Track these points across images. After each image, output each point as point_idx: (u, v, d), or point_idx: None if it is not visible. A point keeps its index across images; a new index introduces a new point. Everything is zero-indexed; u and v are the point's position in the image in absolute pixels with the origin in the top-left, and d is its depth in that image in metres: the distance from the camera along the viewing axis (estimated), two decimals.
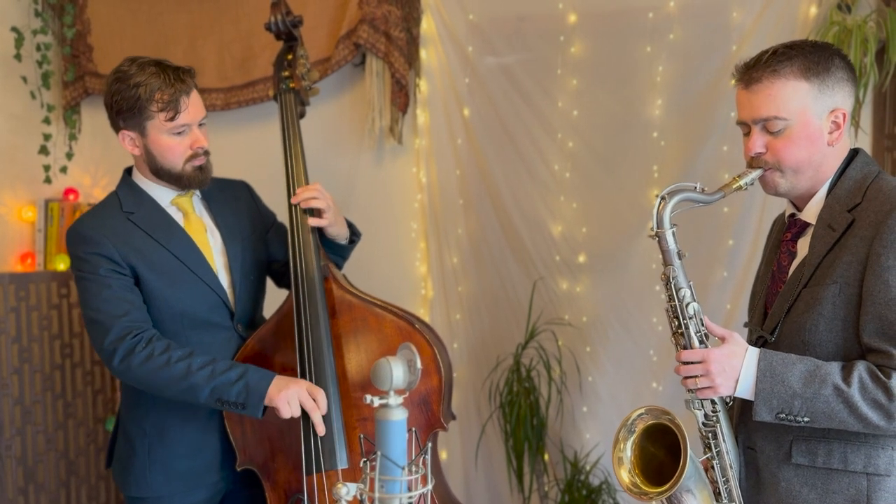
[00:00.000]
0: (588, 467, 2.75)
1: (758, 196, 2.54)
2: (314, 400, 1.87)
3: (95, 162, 3.22)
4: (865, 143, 2.54)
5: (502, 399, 2.75)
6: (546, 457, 2.82)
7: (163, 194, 2.03)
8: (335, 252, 2.19)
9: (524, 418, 2.68)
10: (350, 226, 2.22)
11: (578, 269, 2.82)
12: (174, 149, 1.95)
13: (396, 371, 1.27)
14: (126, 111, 1.91)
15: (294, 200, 2.10)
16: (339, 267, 2.23)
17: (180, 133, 1.94)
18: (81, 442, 3.04)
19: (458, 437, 2.94)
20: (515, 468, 2.74)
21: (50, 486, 2.95)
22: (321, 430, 1.87)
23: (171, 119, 1.91)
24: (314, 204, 2.07)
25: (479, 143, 2.87)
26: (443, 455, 2.94)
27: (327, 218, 2.09)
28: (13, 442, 2.85)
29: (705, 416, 1.59)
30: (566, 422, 2.82)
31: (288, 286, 2.14)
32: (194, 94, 1.96)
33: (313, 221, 2.09)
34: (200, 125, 1.99)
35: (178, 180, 1.99)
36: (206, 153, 2.00)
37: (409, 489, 1.27)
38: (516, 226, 2.85)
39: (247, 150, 3.00)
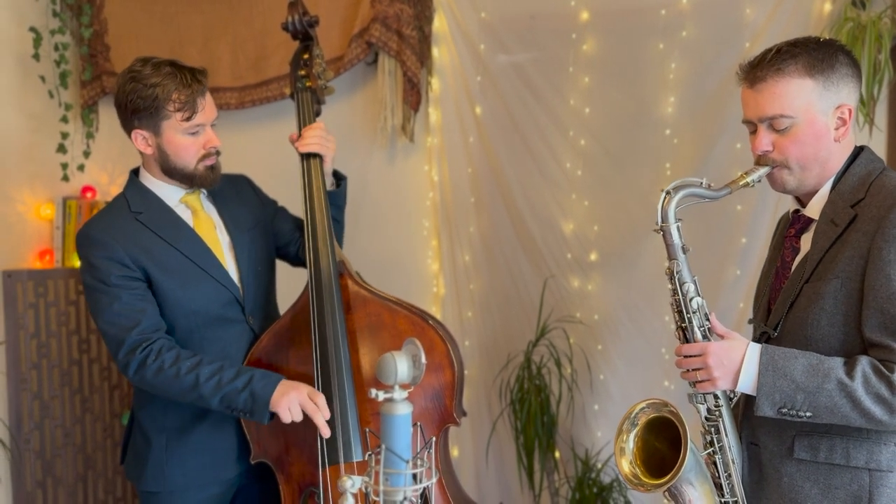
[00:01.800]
0: (599, 465, 2.76)
1: (771, 194, 2.52)
2: (316, 404, 1.90)
3: (113, 160, 3.26)
4: (881, 140, 2.52)
5: (513, 396, 2.76)
6: (557, 454, 2.82)
7: (171, 193, 2.05)
8: (332, 202, 2.22)
9: (534, 416, 2.68)
10: (334, 171, 2.28)
11: (590, 268, 2.82)
12: (188, 148, 1.98)
13: (401, 366, 1.28)
14: (142, 110, 1.94)
15: (300, 148, 2.16)
16: (340, 222, 2.29)
17: (195, 133, 1.97)
18: (98, 436, 3.08)
19: (470, 434, 2.95)
20: (526, 465, 2.75)
21: (68, 479, 2.99)
22: (325, 432, 1.90)
23: (188, 119, 1.94)
24: (314, 150, 2.15)
25: (491, 142, 2.87)
26: (454, 452, 2.95)
27: (327, 150, 2.18)
28: (32, 436, 2.89)
29: (708, 410, 1.59)
30: (577, 419, 2.82)
31: (303, 262, 2.18)
32: (208, 95, 2.00)
33: (309, 147, 2.16)
34: (212, 125, 2.02)
35: (189, 179, 2.02)
36: (218, 153, 2.03)
37: (415, 482, 1.28)
38: (528, 224, 2.85)
39: (260, 148, 3.02)
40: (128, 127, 2.00)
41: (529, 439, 2.70)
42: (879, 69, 2.35)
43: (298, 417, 1.89)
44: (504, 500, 2.91)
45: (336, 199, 2.25)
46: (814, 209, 1.61)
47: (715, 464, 1.62)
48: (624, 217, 2.77)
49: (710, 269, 2.67)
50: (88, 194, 3.20)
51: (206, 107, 1.98)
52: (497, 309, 2.93)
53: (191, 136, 1.97)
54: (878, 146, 2.50)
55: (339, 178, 2.27)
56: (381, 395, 1.27)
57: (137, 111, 1.94)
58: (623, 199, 2.77)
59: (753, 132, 1.60)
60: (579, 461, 2.77)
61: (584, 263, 2.83)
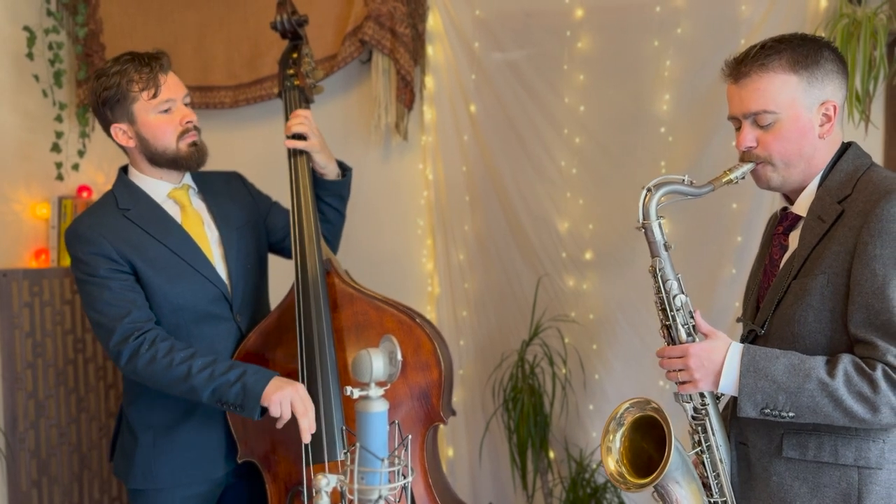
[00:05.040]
0: (594, 465, 2.74)
1: (767, 192, 2.50)
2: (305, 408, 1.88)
3: (109, 159, 3.26)
4: (877, 137, 2.50)
5: (506, 396, 2.74)
6: (552, 454, 2.81)
7: (159, 188, 2.05)
8: (333, 191, 2.22)
9: (527, 415, 2.67)
10: (339, 162, 2.25)
11: (585, 266, 2.81)
12: (164, 127, 1.98)
13: (377, 363, 1.27)
14: (111, 100, 1.96)
15: (288, 132, 2.14)
16: (341, 213, 2.28)
17: (167, 111, 1.98)
18: (94, 436, 3.08)
19: (465, 434, 2.94)
20: (519, 465, 2.73)
21: (63, 479, 2.99)
22: (306, 437, 1.87)
23: (154, 96, 1.96)
24: (298, 129, 2.12)
25: (486, 140, 2.86)
26: (449, 452, 2.94)
27: (311, 143, 2.13)
28: (27, 435, 2.89)
29: (694, 409, 1.58)
30: (571, 419, 2.81)
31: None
32: (171, 74, 2.02)
33: (296, 143, 2.13)
34: (186, 104, 2.03)
35: (175, 162, 2.02)
36: (197, 129, 2.04)
37: (391, 481, 1.27)
38: (523, 222, 2.84)
39: (254, 147, 3.02)
40: (106, 124, 2.02)
41: (522, 439, 2.69)
42: (875, 66, 2.33)
43: (288, 414, 1.86)
44: (498, 501, 2.90)
45: (339, 188, 2.24)
46: (801, 206, 1.60)
47: (703, 463, 1.61)
48: (619, 215, 2.75)
49: (706, 268, 2.65)
50: (84, 193, 3.20)
51: (171, 82, 1.99)
52: (492, 308, 2.91)
53: (163, 113, 1.98)
54: (875, 143, 2.48)
55: (343, 168, 2.27)
56: (356, 393, 1.26)
57: (107, 102, 1.97)
58: (618, 197, 2.75)
59: (738, 128, 1.59)
60: (573, 461, 2.75)
61: (579, 262, 2.81)
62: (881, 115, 2.50)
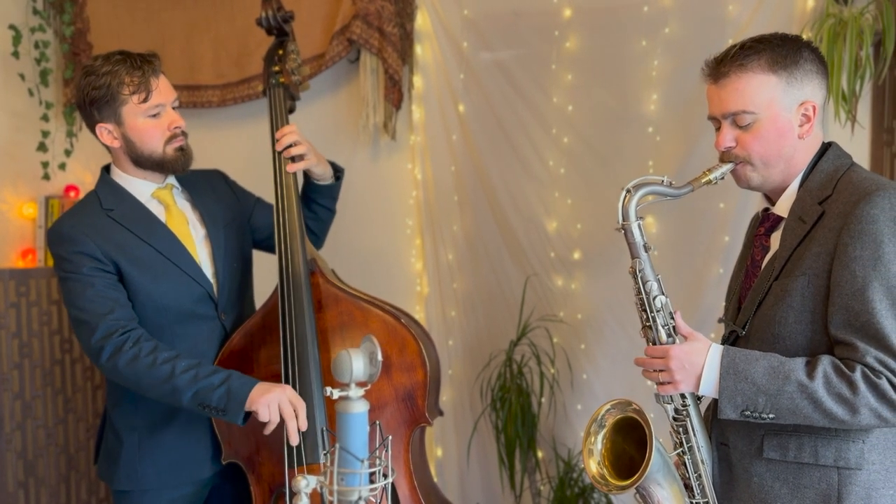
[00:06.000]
0: (582, 465, 2.74)
1: (754, 192, 2.49)
2: (294, 409, 1.85)
3: (96, 159, 3.24)
4: (864, 137, 2.50)
5: (494, 395, 2.74)
6: (540, 454, 2.81)
7: (143, 188, 2.04)
8: (327, 194, 2.24)
9: (515, 415, 2.67)
10: (331, 163, 2.26)
11: (573, 266, 2.81)
12: (152, 132, 1.96)
13: (357, 363, 1.27)
14: (99, 100, 1.94)
15: (279, 147, 2.14)
16: (332, 211, 2.29)
17: (156, 115, 1.96)
18: (81, 437, 3.07)
19: (454, 434, 2.94)
20: (507, 465, 2.73)
21: (50, 480, 2.97)
22: (294, 440, 1.85)
23: (145, 100, 1.94)
24: (296, 151, 2.12)
25: (474, 139, 2.86)
26: (437, 452, 2.93)
27: (309, 160, 2.14)
28: (13, 436, 2.88)
29: (675, 410, 1.58)
30: (559, 419, 2.81)
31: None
32: (163, 77, 1.99)
33: (298, 165, 2.13)
34: (174, 108, 2.01)
35: (160, 166, 2.00)
36: (184, 134, 2.02)
37: (371, 482, 1.26)
38: (511, 222, 2.84)
39: (242, 146, 3.01)
40: (91, 122, 1.99)
41: (510, 439, 2.69)
42: (861, 66, 2.33)
43: (276, 418, 1.83)
44: (486, 501, 2.90)
45: (333, 191, 2.26)
46: (783, 207, 1.60)
47: (685, 464, 1.61)
48: (607, 215, 2.71)
49: (694, 268, 2.66)
50: (72, 193, 3.19)
51: (162, 87, 1.97)
52: (481, 308, 2.91)
53: (152, 118, 1.96)
54: (861, 143, 2.49)
55: (336, 169, 2.28)
56: (336, 393, 1.26)
57: (95, 102, 1.94)
58: (606, 197, 2.75)
59: (718, 129, 1.59)
60: (561, 461, 2.75)
61: (567, 262, 2.81)
62: (867, 115, 2.50)
